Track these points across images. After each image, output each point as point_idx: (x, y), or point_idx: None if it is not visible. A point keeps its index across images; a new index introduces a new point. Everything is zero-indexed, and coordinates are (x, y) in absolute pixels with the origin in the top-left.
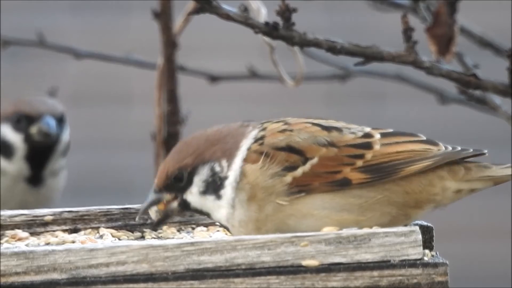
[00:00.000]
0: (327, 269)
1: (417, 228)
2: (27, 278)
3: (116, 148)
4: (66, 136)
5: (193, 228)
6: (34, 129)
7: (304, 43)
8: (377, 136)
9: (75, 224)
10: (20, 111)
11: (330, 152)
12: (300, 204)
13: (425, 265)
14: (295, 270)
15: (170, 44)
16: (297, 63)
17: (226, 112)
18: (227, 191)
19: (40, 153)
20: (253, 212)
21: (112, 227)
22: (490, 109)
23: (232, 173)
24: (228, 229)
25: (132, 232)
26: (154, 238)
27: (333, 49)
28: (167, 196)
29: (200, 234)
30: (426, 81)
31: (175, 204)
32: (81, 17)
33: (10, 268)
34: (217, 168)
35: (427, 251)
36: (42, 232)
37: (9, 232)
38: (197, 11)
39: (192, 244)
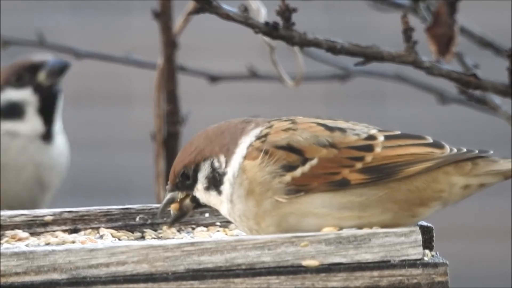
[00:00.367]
0: (327, 269)
1: (417, 228)
2: (27, 278)
3: (116, 148)
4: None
5: (193, 228)
6: (42, 75)
7: (304, 43)
8: (381, 138)
9: (75, 224)
10: (18, 68)
11: (330, 154)
12: (300, 203)
13: (425, 265)
14: (295, 270)
15: (170, 44)
16: (297, 63)
17: (226, 112)
18: (226, 186)
19: (50, 103)
20: (252, 207)
21: (112, 227)
22: (490, 109)
23: (230, 169)
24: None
25: (132, 232)
26: (154, 238)
27: (333, 49)
28: (179, 194)
29: (200, 234)
30: (426, 81)
31: (188, 201)
32: (81, 17)
33: (10, 268)
34: (216, 164)
35: (427, 251)
36: (42, 232)
37: (9, 232)
38: (197, 11)
39: (192, 244)
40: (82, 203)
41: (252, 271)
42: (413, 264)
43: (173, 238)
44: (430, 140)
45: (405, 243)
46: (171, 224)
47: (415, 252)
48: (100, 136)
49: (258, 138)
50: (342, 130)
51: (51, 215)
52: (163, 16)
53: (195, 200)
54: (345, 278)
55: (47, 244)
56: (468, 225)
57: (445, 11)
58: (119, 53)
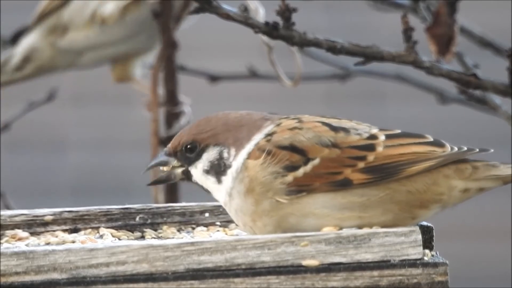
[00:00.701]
0: (327, 269)
1: (417, 228)
2: (27, 278)
3: (116, 148)
4: None
5: (193, 228)
6: None
7: (304, 43)
8: (382, 137)
9: (75, 224)
10: None
11: (332, 153)
12: (301, 203)
13: (425, 265)
14: (295, 270)
15: (169, 44)
16: (296, 63)
17: None
18: (228, 178)
19: None
20: (250, 205)
21: (112, 227)
22: (490, 109)
23: (235, 164)
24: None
25: (132, 232)
26: (154, 238)
27: (333, 49)
28: (174, 162)
29: (200, 234)
30: (426, 81)
31: (179, 171)
32: None
33: (10, 268)
34: (225, 154)
35: (427, 251)
36: (42, 232)
37: (9, 232)
38: (197, 11)
39: (192, 244)
40: (82, 203)
41: (252, 271)
42: (413, 264)
43: (173, 238)
44: (431, 139)
45: (405, 243)
46: (151, 184)
47: (415, 252)
48: (100, 136)
49: (266, 136)
50: (346, 130)
51: (51, 215)
52: (163, 16)
53: (187, 174)
54: (345, 277)
55: (47, 243)
56: (468, 225)
57: (445, 11)
58: None
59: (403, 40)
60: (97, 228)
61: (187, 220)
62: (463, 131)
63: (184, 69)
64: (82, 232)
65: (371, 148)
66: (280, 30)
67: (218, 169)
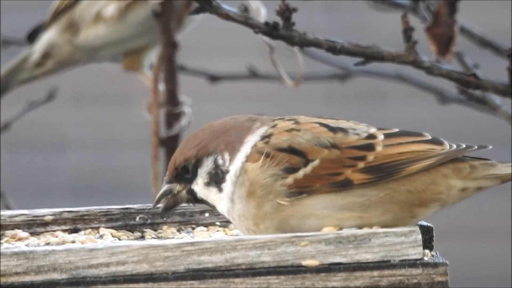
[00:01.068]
0: (327, 269)
1: (417, 228)
2: (27, 278)
3: (116, 148)
4: None
5: (193, 228)
6: None
7: (304, 43)
8: (381, 137)
9: (75, 224)
10: None
11: (332, 154)
12: (302, 205)
13: (425, 265)
14: (295, 270)
15: (170, 44)
16: (297, 63)
17: (226, 112)
18: (228, 184)
19: None
20: (252, 208)
21: (112, 227)
22: (490, 109)
23: (233, 168)
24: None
25: (132, 232)
26: (154, 238)
27: (333, 49)
28: (177, 187)
29: (200, 234)
30: (426, 81)
31: (184, 193)
32: None
33: (10, 268)
34: (220, 161)
35: (427, 251)
36: (42, 232)
37: (9, 232)
38: (197, 11)
39: (192, 244)
40: (82, 203)
41: (252, 271)
42: (413, 264)
43: (173, 238)
44: (429, 137)
45: (405, 243)
46: (163, 212)
47: (415, 252)
48: (100, 136)
49: (262, 138)
50: (344, 130)
51: (51, 215)
52: (163, 16)
53: (191, 193)
54: (345, 278)
55: (47, 244)
56: (468, 225)
57: (445, 11)
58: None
59: (403, 40)
60: (97, 228)
61: (187, 220)
62: (463, 131)
63: (184, 69)
64: (82, 232)
65: (370, 147)
66: (280, 30)
67: (217, 178)
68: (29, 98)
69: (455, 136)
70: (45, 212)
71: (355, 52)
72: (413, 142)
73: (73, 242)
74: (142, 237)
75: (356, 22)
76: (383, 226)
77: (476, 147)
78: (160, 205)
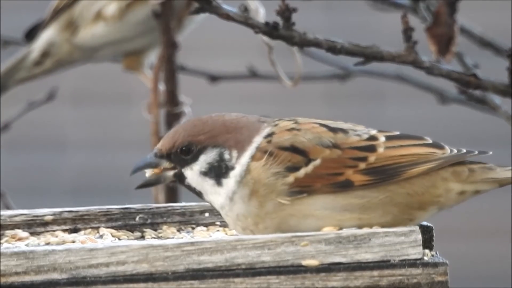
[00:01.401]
0: (327, 268)
1: (417, 228)
2: (27, 278)
3: (116, 148)
4: None
5: (193, 228)
6: None
7: (304, 43)
8: (382, 139)
9: (75, 224)
10: None
11: (333, 154)
12: (302, 204)
13: (425, 265)
14: (295, 270)
15: (170, 44)
16: (296, 63)
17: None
18: (230, 182)
19: None
20: (254, 208)
21: (112, 227)
22: (490, 109)
23: (239, 167)
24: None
25: (132, 232)
26: (154, 238)
27: (333, 49)
28: (166, 164)
29: (200, 234)
30: (426, 81)
31: (170, 173)
32: None
33: (10, 268)
34: (226, 156)
35: (427, 251)
36: (42, 232)
37: (9, 232)
38: (197, 11)
39: (192, 244)
40: (82, 203)
41: (252, 271)
42: (413, 263)
43: (173, 237)
44: (430, 141)
45: (405, 243)
46: (140, 187)
47: (415, 251)
48: (100, 136)
49: (265, 138)
50: (344, 131)
51: (51, 215)
52: (163, 16)
53: (179, 176)
54: (345, 277)
55: (47, 243)
56: (468, 225)
57: (445, 11)
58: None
59: (403, 40)
60: (97, 228)
61: (187, 220)
62: (463, 131)
63: (184, 69)
64: (82, 232)
65: (372, 149)
66: (280, 30)
67: (218, 171)
68: (29, 98)
69: (455, 136)
70: (45, 212)
71: (355, 52)
72: (414, 145)
73: (73, 242)
74: (142, 237)
75: (356, 22)
76: (382, 228)
77: (476, 152)
78: (137, 174)
